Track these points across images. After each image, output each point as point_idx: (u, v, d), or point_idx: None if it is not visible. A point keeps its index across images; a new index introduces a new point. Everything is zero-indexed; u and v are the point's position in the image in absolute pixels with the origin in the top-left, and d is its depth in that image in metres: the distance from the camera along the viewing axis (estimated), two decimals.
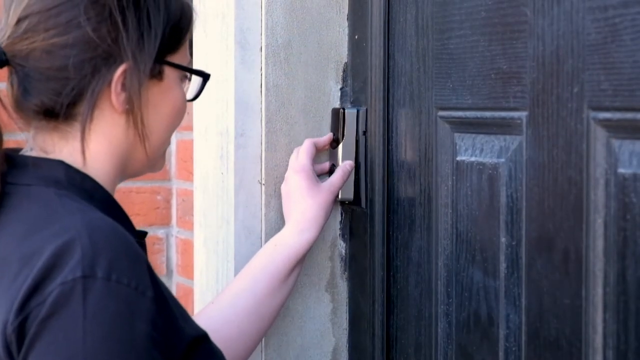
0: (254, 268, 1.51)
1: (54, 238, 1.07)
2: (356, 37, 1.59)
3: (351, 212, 1.62)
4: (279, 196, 1.60)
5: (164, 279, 2.15)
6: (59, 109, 1.19)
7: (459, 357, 1.30)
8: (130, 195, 2.35)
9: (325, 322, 1.64)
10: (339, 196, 1.58)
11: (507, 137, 1.18)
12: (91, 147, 1.21)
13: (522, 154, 1.14)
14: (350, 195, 1.58)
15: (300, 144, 1.60)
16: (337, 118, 1.57)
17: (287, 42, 1.60)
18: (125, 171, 1.26)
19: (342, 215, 1.64)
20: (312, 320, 1.63)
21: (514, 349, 1.17)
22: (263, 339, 1.60)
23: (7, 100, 1.23)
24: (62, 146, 1.21)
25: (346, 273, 1.64)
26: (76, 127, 1.20)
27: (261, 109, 1.60)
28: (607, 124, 1.00)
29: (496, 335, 1.20)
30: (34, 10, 1.19)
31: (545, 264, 1.09)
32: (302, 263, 1.54)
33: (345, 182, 1.56)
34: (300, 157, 1.56)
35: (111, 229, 1.09)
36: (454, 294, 1.30)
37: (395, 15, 1.45)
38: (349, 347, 1.64)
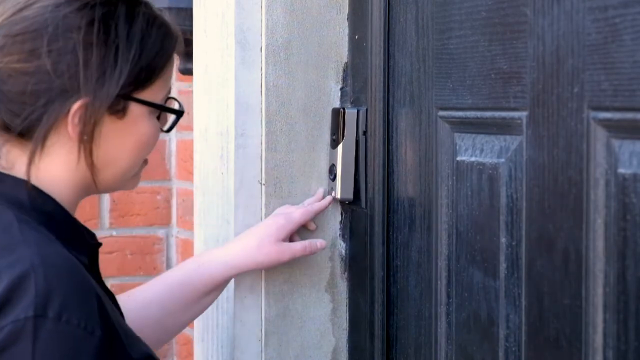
0: (171, 280, 1.51)
1: (9, 269, 1.10)
2: (356, 37, 1.59)
3: (351, 212, 1.62)
4: (279, 196, 1.60)
5: None
6: (17, 128, 1.20)
7: (459, 357, 1.30)
8: (131, 195, 2.35)
9: (325, 322, 1.64)
10: (339, 196, 1.58)
11: (507, 137, 1.18)
12: (49, 168, 1.22)
13: (522, 154, 1.14)
14: (350, 195, 1.58)
15: (301, 143, 1.61)
16: (337, 118, 1.57)
17: (287, 42, 1.60)
18: (89, 190, 1.28)
19: (342, 215, 1.64)
20: (312, 320, 1.63)
21: (514, 349, 1.17)
22: (263, 339, 1.60)
23: None
24: (23, 161, 1.22)
25: (346, 273, 1.64)
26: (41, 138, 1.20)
27: (261, 109, 1.60)
28: (607, 124, 1.00)
29: (496, 335, 1.20)
30: (4, 32, 1.19)
31: (545, 264, 1.09)
32: (223, 287, 1.54)
33: (305, 255, 1.55)
34: (297, 213, 1.55)
35: (65, 266, 1.12)
36: (454, 294, 1.30)
37: (395, 15, 1.45)
38: (349, 347, 1.64)
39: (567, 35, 1.05)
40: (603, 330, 1.01)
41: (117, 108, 1.22)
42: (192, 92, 1.80)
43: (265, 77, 1.59)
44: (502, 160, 1.19)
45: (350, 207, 1.62)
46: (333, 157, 1.60)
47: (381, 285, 1.50)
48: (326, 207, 1.59)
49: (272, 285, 1.61)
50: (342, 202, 1.61)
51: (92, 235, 1.31)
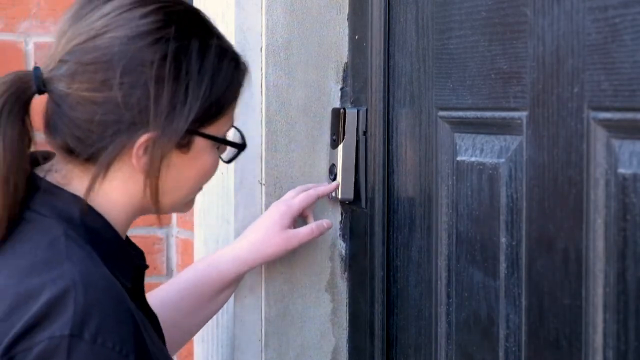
0: (184, 282, 1.52)
1: (52, 285, 1.09)
2: (356, 37, 1.59)
3: (351, 212, 1.62)
4: (279, 196, 1.60)
5: (163, 279, 2.15)
6: (81, 154, 1.20)
7: (459, 357, 1.30)
8: None
9: (325, 322, 1.64)
10: (339, 196, 1.58)
11: (507, 137, 1.18)
12: (108, 191, 1.22)
13: (522, 154, 1.14)
14: (350, 195, 1.58)
15: (301, 143, 1.60)
16: (337, 118, 1.57)
17: (287, 42, 1.60)
18: (144, 212, 1.28)
19: (342, 215, 1.64)
20: (312, 321, 1.63)
21: (514, 349, 1.17)
22: (263, 339, 1.60)
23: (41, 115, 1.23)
24: (82, 180, 1.21)
25: (346, 273, 1.64)
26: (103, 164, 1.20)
27: (261, 109, 1.60)
28: (607, 124, 1.00)
29: (496, 335, 1.20)
30: (75, 59, 1.19)
31: (545, 264, 1.09)
32: (237, 283, 1.54)
33: (313, 238, 1.55)
34: (297, 199, 1.55)
35: (106, 288, 1.12)
36: (454, 294, 1.30)
37: (395, 15, 1.45)
38: (349, 347, 1.64)
39: (567, 35, 1.05)
40: (603, 330, 1.00)
41: (183, 142, 1.22)
42: None
43: (265, 77, 1.59)
44: (502, 160, 1.19)
45: (350, 207, 1.62)
46: (333, 157, 1.60)
47: (381, 285, 1.50)
48: (328, 193, 1.59)
49: (272, 285, 1.61)
50: (342, 202, 1.61)
51: (141, 256, 1.31)
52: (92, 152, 1.19)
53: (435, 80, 1.35)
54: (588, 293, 1.02)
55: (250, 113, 1.59)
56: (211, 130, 1.24)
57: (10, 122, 1.17)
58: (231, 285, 1.52)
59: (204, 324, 1.56)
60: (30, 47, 2.30)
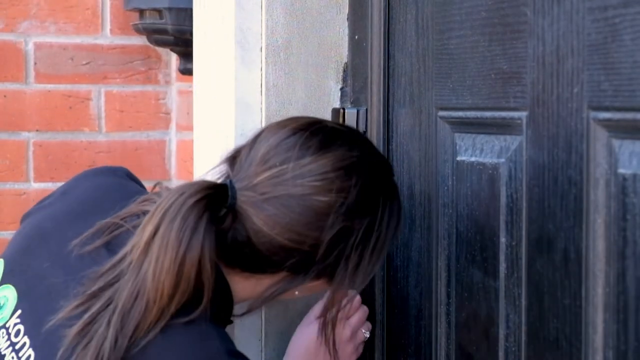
0: None
1: None
2: (356, 37, 1.59)
3: None
4: None
5: None
6: (240, 265, 1.26)
7: (459, 357, 1.30)
8: None
9: None
10: None
11: (507, 137, 1.18)
12: (241, 281, 1.29)
13: (522, 154, 1.14)
14: None
15: None
16: (337, 118, 1.57)
17: (287, 42, 1.60)
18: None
19: None
20: None
21: (514, 349, 1.17)
22: (263, 339, 1.60)
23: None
24: (235, 279, 1.28)
25: None
26: (260, 277, 1.27)
27: (261, 109, 1.60)
28: (607, 124, 1.00)
29: (496, 335, 1.20)
30: (283, 206, 1.21)
31: (545, 264, 1.09)
32: None
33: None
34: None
35: None
36: (454, 294, 1.30)
37: (395, 15, 1.45)
38: None
39: (567, 35, 1.05)
40: (603, 330, 1.00)
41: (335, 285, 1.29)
42: (192, 92, 1.80)
43: (265, 77, 1.59)
44: (502, 160, 1.19)
45: None
46: None
47: (381, 285, 1.50)
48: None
49: None
50: None
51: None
52: (252, 270, 1.26)
53: (435, 80, 1.35)
54: (588, 293, 1.02)
55: (250, 113, 1.59)
56: None
57: (209, 239, 1.19)
58: None
59: None
60: (30, 47, 2.30)
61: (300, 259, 1.23)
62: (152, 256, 1.17)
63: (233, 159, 1.30)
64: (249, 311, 1.33)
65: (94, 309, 1.17)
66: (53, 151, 2.33)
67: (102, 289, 1.19)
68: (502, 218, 1.18)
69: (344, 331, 1.47)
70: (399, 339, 1.47)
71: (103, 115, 2.38)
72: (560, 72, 1.06)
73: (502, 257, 1.18)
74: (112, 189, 1.35)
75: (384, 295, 1.49)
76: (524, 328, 1.14)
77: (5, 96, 2.30)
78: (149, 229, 1.18)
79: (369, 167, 1.27)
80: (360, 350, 1.51)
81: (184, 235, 1.17)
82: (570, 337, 1.05)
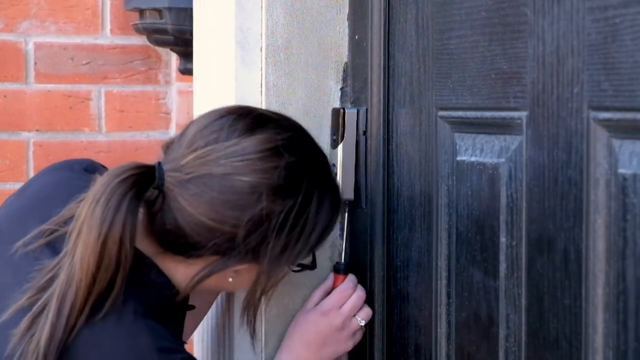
0: None
1: None
2: (356, 37, 1.59)
3: (351, 212, 1.62)
4: None
5: None
6: (170, 248, 1.27)
7: (459, 357, 1.30)
8: None
9: None
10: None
11: (507, 137, 1.18)
12: (187, 271, 1.30)
13: (522, 154, 1.14)
14: (350, 195, 1.58)
15: None
16: (337, 118, 1.57)
17: (287, 42, 1.60)
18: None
19: (342, 216, 1.64)
20: None
21: (514, 349, 1.17)
22: (263, 339, 1.60)
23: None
24: (165, 260, 1.29)
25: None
26: (191, 262, 1.28)
27: None
28: (607, 124, 1.00)
29: (496, 335, 1.20)
30: (205, 186, 1.23)
31: (545, 264, 1.09)
32: None
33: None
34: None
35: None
36: (454, 294, 1.30)
37: (395, 15, 1.45)
38: None
39: (567, 35, 1.05)
40: (603, 330, 1.00)
41: (269, 273, 1.30)
42: (192, 92, 1.80)
43: (265, 77, 1.59)
44: (502, 160, 1.19)
45: (350, 207, 1.61)
46: (333, 157, 1.60)
47: (381, 285, 1.50)
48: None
49: None
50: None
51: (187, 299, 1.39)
52: (183, 252, 1.27)
53: (435, 80, 1.35)
54: (588, 293, 1.02)
55: None
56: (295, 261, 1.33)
57: (132, 219, 1.21)
58: None
59: (210, 305, 1.60)
60: (30, 47, 2.30)
61: (223, 240, 1.23)
62: (81, 238, 1.19)
63: (168, 146, 1.32)
64: (180, 298, 1.32)
65: (40, 302, 1.20)
66: (53, 151, 2.33)
67: (49, 281, 1.21)
68: (502, 218, 1.18)
69: (334, 319, 1.48)
70: (399, 339, 1.47)
71: (103, 115, 2.38)
72: (561, 72, 1.06)
73: (502, 257, 1.18)
74: (60, 187, 1.36)
75: (384, 295, 1.49)
76: (524, 328, 1.14)
77: (5, 96, 2.30)
78: (82, 214, 1.21)
79: (295, 152, 1.27)
80: (359, 337, 1.51)
81: (107, 213, 1.19)
82: (570, 337, 1.05)
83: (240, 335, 1.61)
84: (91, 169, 1.41)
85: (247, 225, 1.23)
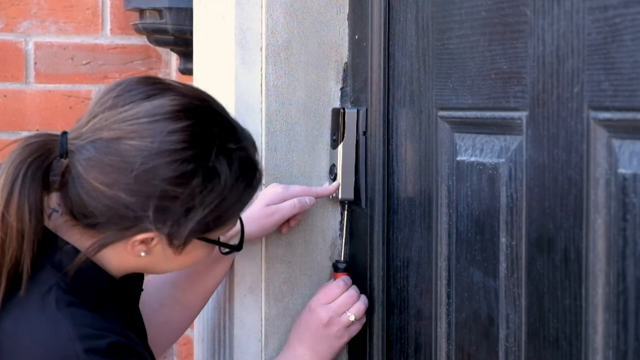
0: None
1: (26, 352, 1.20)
2: (356, 37, 1.59)
3: (351, 212, 1.62)
4: None
5: None
6: (81, 220, 1.25)
7: (459, 357, 1.30)
8: None
9: None
10: (339, 196, 1.58)
11: (507, 137, 1.18)
12: (104, 254, 1.27)
13: (522, 154, 1.14)
14: (350, 195, 1.58)
15: (301, 143, 1.61)
16: (337, 118, 1.57)
17: (287, 42, 1.60)
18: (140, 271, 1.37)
19: (342, 215, 1.64)
20: None
21: (514, 349, 1.17)
22: (263, 339, 1.60)
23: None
24: (79, 235, 1.26)
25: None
26: (94, 234, 1.25)
27: (261, 109, 1.60)
28: (607, 124, 1.00)
29: (496, 335, 1.20)
30: (96, 152, 1.21)
31: (545, 264, 1.09)
32: (231, 258, 1.54)
33: (295, 212, 1.54)
34: (296, 186, 1.56)
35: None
36: (454, 294, 1.30)
37: (395, 15, 1.45)
38: (348, 347, 1.64)
39: (567, 35, 1.05)
40: (603, 330, 1.00)
41: (178, 244, 1.26)
42: None
43: (265, 77, 1.59)
44: (502, 160, 1.19)
45: (350, 207, 1.62)
46: (333, 157, 1.60)
47: (381, 285, 1.50)
48: (328, 194, 1.59)
49: (272, 285, 1.61)
50: (342, 202, 1.61)
51: (140, 279, 1.38)
52: (92, 226, 1.24)
53: (435, 80, 1.35)
54: (588, 293, 1.02)
55: (250, 113, 1.59)
56: (211, 235, 1.29)
57: (33, 187, 1.21)
58: (224, 259, 1.52)
59: (206, 300, 1.57)
60: (30, 47, 2.30)
61: (118, 206, 1.21)
62: None
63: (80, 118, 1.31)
64: (71, 268, 1.28)
65: None
66: None
67: None
68: (502, 218, 1.18)
69: (319, 315, 1.49)
70: (399, 339, 1.47)
71: None
72: (561, 72, 1.06)
73: (502, 257, 1.18)
74: None
75: (384, 295, 1.49)
76: (524, 328, 1.14)
77: (5, 96, 2.30)
78: None
79: (192, 118, 1.23)
80: (353, 332, 1.51)
81: (6, 183, 1.20)
82: (570, 337, 1.05)
83: (240, 335, 1.61)
84: None
85: (134, 189, 1.20)
